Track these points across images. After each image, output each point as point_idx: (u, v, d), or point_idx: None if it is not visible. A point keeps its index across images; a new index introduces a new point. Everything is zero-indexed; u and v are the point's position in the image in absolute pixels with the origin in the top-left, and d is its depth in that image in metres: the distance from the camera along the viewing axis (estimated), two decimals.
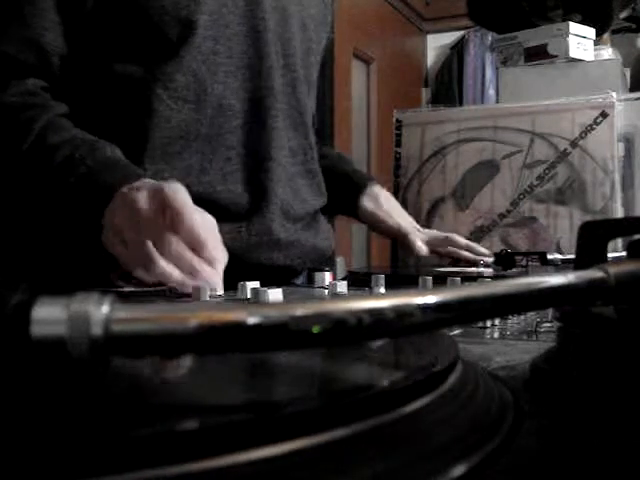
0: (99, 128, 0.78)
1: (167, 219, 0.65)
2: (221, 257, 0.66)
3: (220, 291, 0.63)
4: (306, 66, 0.94)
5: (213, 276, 0.64)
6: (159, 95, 0.80)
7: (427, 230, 1.14)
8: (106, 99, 0.82)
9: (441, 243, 1.09)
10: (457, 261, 1.08)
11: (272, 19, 0.88)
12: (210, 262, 0.65)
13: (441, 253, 1.09)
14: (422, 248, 1.08)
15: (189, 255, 0.64)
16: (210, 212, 0.71)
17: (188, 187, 0.79)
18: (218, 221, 0.79)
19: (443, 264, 1.09)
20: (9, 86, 0.77)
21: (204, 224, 0.66)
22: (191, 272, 0.64)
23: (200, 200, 0.76)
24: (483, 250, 1.08)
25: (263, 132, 0.87)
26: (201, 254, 0.65)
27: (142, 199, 0.65)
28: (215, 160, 0.83)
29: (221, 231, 0.81)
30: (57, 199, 0.73)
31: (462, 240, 1.09)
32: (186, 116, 0.81)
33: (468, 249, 1.08)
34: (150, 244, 0.64)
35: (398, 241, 1.14)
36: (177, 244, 0.64)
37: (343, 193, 1.09)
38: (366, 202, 1.09)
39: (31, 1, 0.77)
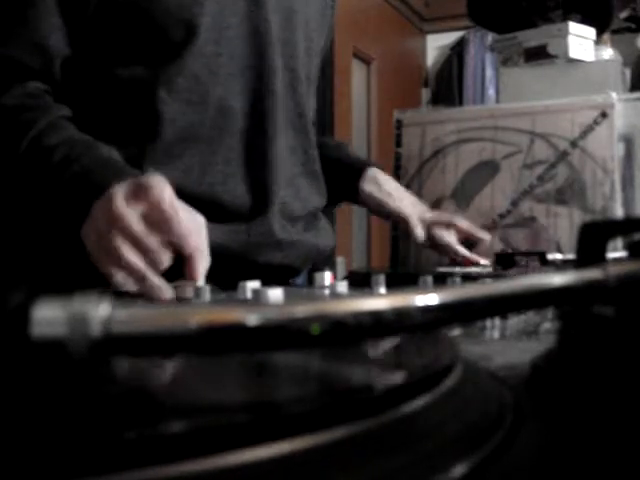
0: (102, 130, 0.78)
1: (145, 211, 0.62)
2: (202, 258, 0.64)
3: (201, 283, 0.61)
4: (306, 65, 0.94)
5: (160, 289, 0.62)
6: (162, 97, 0.80)
7: (434, 213, 1.09)
8: (109, 101, 0.82)
9: (442, 225, 1.05)
10: (456, 260, 1.07)
11: (275, 20, 0.87)
12: (192, 260, 0.63)
13: (438, 248, 1.07)
14: (420, 235, 1.04)
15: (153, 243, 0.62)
16: (211, 212, 0.70)
17: (189, 188, 0.79)
18: (219, 221, 0.79)
19: (443, 263, 1.08)
20: (11, 88, 0.77)
21: (189, 221, 0.64)
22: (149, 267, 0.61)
23: (201, 201, 0.75)
24: (484, 235, 1.05)
25: (264, 134, 0.86)
26: (183, 250, 0.63)
27: (120, 192, 0.64)
28: (216, 161, 0.83)
29: (222, 231, 0.81)
30: (51, 198, 0.72)
31: (464, 225, 1.06)
32: (188, 118, 0.81)
33: (469, 235, 1.06)
34: (118, 236, 0.62)
35: (399, 226, 1.11)
36: (147, 237, 0.62)
37: (343, 178, 1.06)
38: (366, 185, 1.06)
39: (33, 3, 0.77)
